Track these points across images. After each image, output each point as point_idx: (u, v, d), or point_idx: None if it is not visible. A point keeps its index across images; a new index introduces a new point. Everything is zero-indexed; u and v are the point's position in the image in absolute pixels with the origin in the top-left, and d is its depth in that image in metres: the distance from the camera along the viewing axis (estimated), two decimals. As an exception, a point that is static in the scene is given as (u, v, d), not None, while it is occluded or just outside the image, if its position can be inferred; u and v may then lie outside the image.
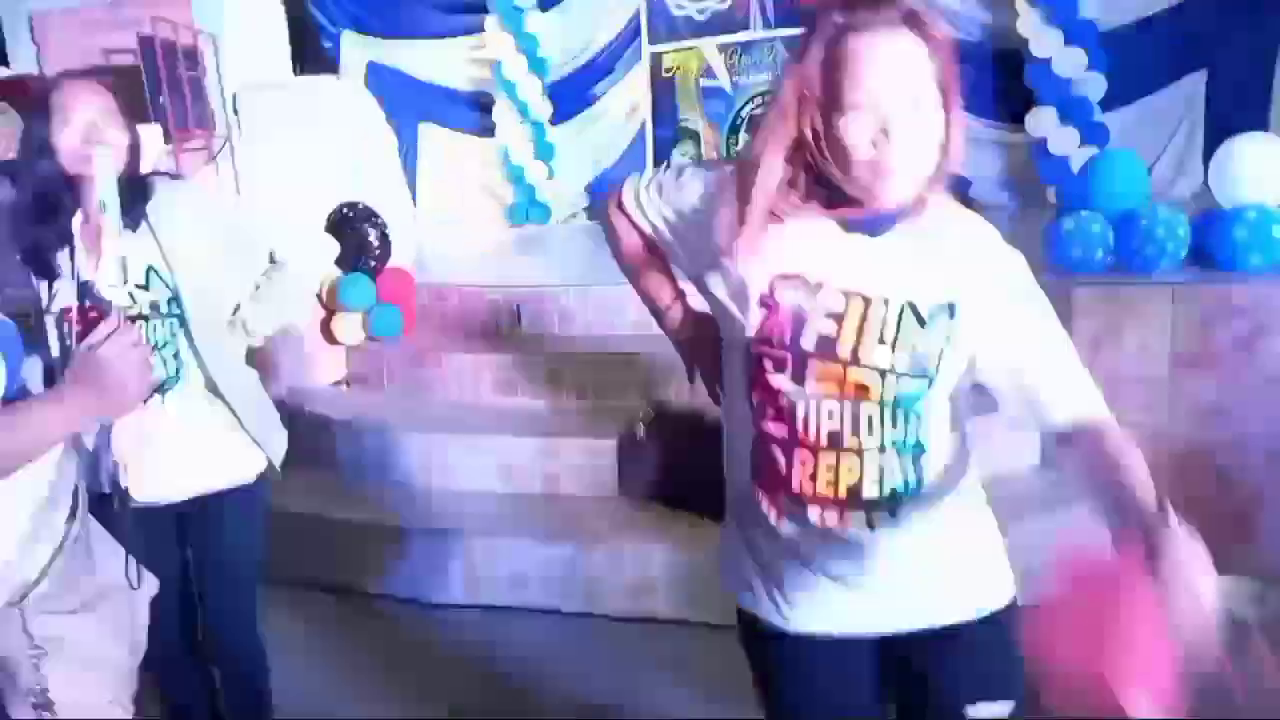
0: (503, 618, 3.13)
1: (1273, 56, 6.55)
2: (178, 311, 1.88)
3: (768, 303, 1.20)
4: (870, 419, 1.20)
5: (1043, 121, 6.75)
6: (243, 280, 2.07)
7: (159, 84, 6.31)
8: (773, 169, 1.15)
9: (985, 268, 1.20)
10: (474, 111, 8.59)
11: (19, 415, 1.24)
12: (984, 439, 1.39)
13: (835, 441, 1.21)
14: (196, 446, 1.94)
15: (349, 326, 4.21)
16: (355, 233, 4.19)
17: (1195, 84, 6.68)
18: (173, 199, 1.90)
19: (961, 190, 7.36)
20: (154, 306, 1.86)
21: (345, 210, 4.25)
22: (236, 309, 2.08)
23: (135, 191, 1.83)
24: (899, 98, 1.08)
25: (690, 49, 8.15)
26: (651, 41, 8.23)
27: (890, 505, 1.24)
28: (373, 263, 4.21)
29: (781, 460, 1.24)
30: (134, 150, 1.85)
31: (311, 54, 8.84)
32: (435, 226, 8.75)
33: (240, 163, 8.19)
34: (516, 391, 3.79)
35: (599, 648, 2.94)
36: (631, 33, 8.29)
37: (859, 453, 1.21)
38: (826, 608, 1.30)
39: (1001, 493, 1.47)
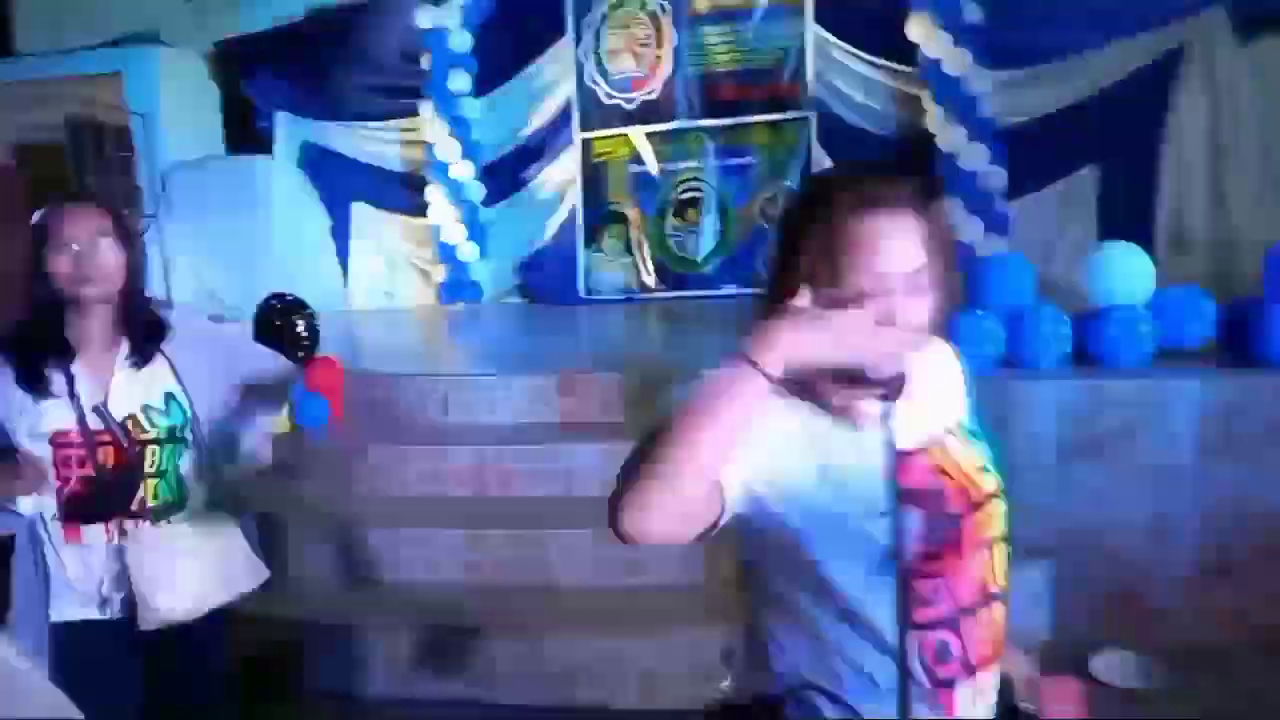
0: (430, 710, 3.16)
1: (1157, 154, 7.09)
2: (186, 435, 1.95)
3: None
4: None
5: (950, 212, 7.16)
6: (234, 401, 2.14)
7: (85, 163, 6.35)
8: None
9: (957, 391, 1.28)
10: (406, 191, 8.75)
11: None
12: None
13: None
14: (211, 563, 1.97)
15: (275, 417, 4.23)
16: (285, 324, 4.25)
17: (1088, 178, 7.19)
18: (180, 328, 1.99)
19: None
20: (170, 431, 1.92)
21: (274, 302, 4.32)
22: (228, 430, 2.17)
23: (152, 333, 1.93)
24: (905, 282, 1.07)
25: (620, 136, 8.46)
26: (583, 128, 8.53)
27: None
28: (300, 354, 4.27)
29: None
30: (134, 271, 1.90)
31: (246, 134, 8.95)
32: (367, 305, 8.84)
33: (168, 241, 8.23)
34: (444, 481, 3.85)
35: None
36: (563, 119, 8.59)
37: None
38: None
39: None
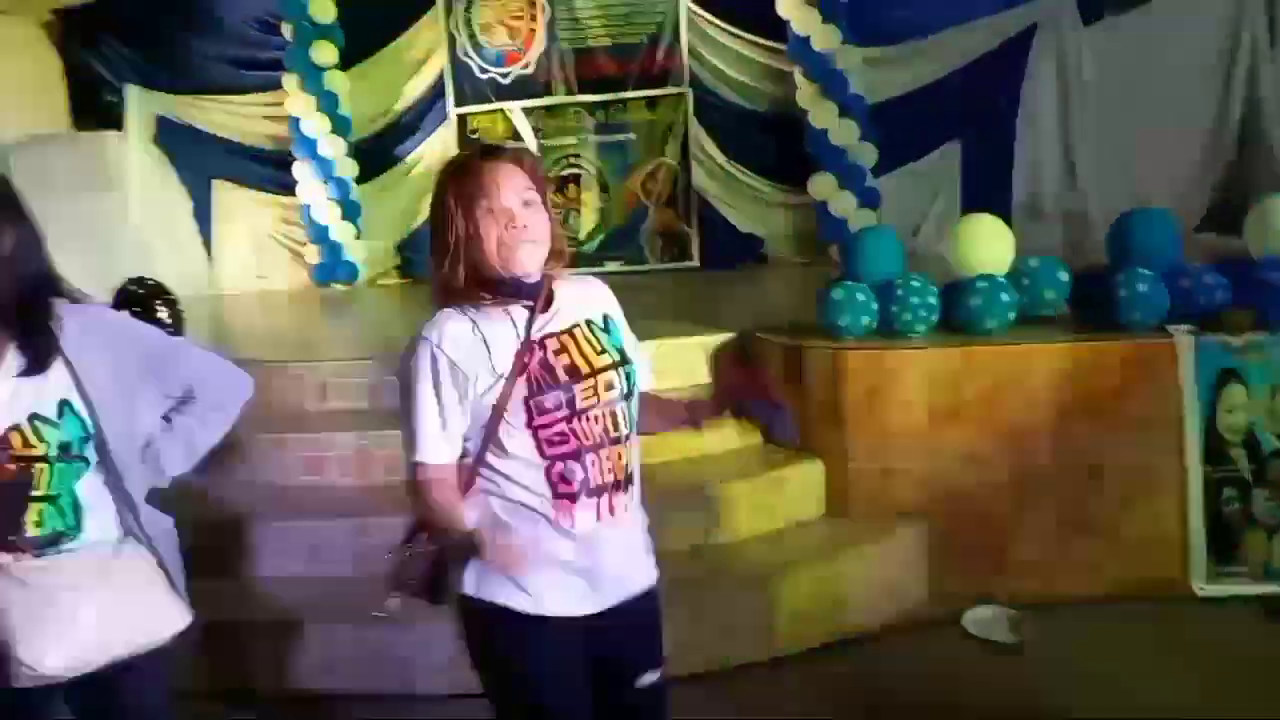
0: (312, 706, 3.08)
1: (1013, 130, 7.46)
2: (85, 453, 1.64)
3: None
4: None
5: (822, 186, 7.35)
6: (155, 413, 1.81)
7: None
8: None
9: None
10: (272, 169, 8.38)
11: None
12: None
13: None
14: (110, 606, 1.63)
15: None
16: (145, 310, 4.02)
17: (952, 153, 7.50)
18: (84, 326, 1.66)
19: (756, 247, 7.89)
20: (64, 447, 1.61)
21: (132, 287, 4.08)
22: (146, 445, 1.80)
23: (41, 332, 1.60)
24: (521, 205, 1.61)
25: (496, 111, 8.32)
26: (457, 104, 8.34)
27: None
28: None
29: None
30: (11, 261, 1.57)
31: (93, 109, 8.39)
32: (235, 288, 8.46)
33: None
34: (323, 471, 3.74)
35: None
36: (436, 94, 8.37)
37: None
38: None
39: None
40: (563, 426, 1.61)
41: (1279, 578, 3.35)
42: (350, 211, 8.23)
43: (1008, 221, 4.03)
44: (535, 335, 1.62)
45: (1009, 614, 3.35)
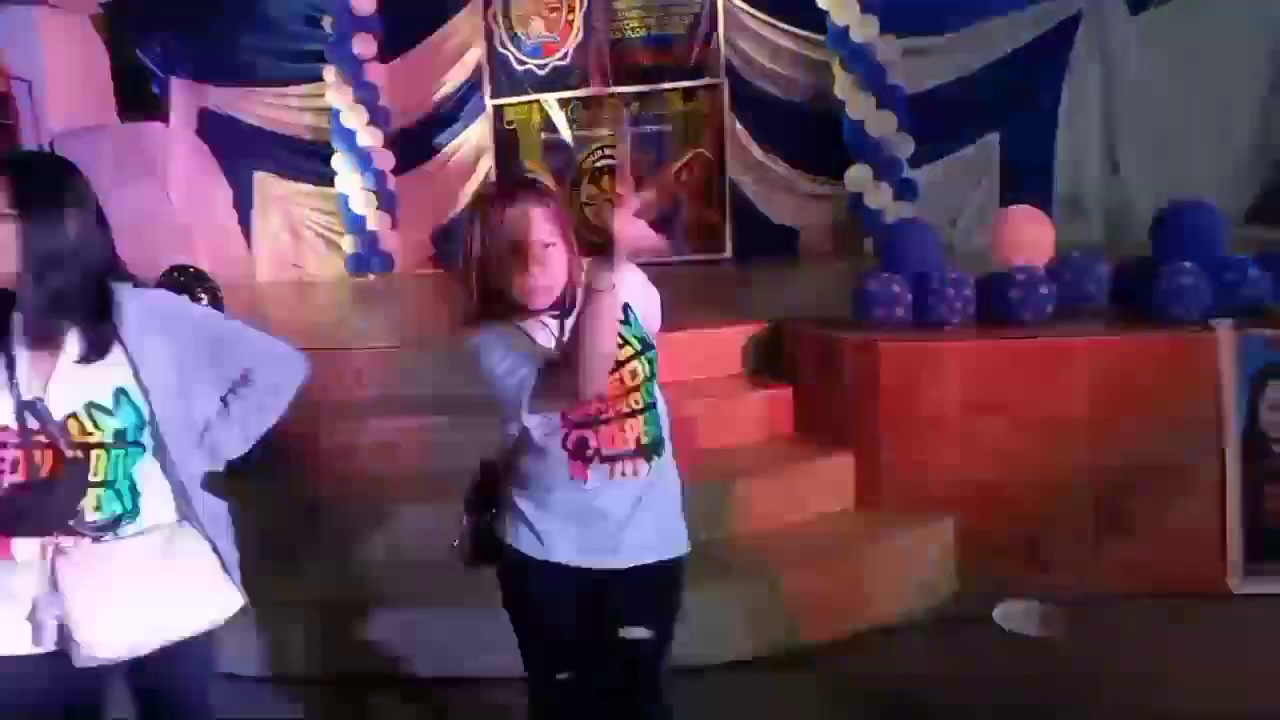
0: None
1: (1055, 121, 7.35)
2: (142, 439, 1.66)
3: None
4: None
5: (859, 178, 7.29)
6: (212, 397, 1.81)
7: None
8: None
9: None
10: (312, 160, 8.49)
11: None
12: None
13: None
14: (166, 589, 1.67)
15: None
16: (187, 298, 4.10)
17: (991, 144, 7.40)
18: (143, 310, 1.67)
19: (790, 239, 7.85)
20: (119, 434, 1.62)
21: (175, 275, 4.17)
22: (203, 430, 1.80)
23: (102, 318, 1.61)
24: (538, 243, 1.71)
25: (532, 102, 8.35)
26: (494, 95, 8.39)
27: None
28: (205, 328, 4.14)
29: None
30: (65, 251, 1.57)
31: (139, 100, 8.55)
32: (273, 277, 8.59)
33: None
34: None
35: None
36: (473, 85, 8.42)
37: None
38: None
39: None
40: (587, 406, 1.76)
41: (1319, 577, 3.28)
42: (386, 202, 8.31)
43: (1048, 213, 3.97)
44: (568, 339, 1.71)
45: (1041, 609, 3.31)
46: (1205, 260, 3.52)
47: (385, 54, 8.27)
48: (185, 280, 4.21)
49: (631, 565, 1.83)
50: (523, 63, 8.34)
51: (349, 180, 8.24)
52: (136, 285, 1.71)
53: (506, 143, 8.43)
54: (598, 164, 8.28)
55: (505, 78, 8.37)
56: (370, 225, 8.30)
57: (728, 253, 8.07)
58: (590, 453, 1.78)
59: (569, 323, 1.72)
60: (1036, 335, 3.57)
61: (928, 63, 7.41)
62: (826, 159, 7.54)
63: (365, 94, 8.14)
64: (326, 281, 8.48)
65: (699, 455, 3.54)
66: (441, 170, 8.54)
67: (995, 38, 7.31)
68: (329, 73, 8.14)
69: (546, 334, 1.77)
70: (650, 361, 1.82)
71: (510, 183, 1.95)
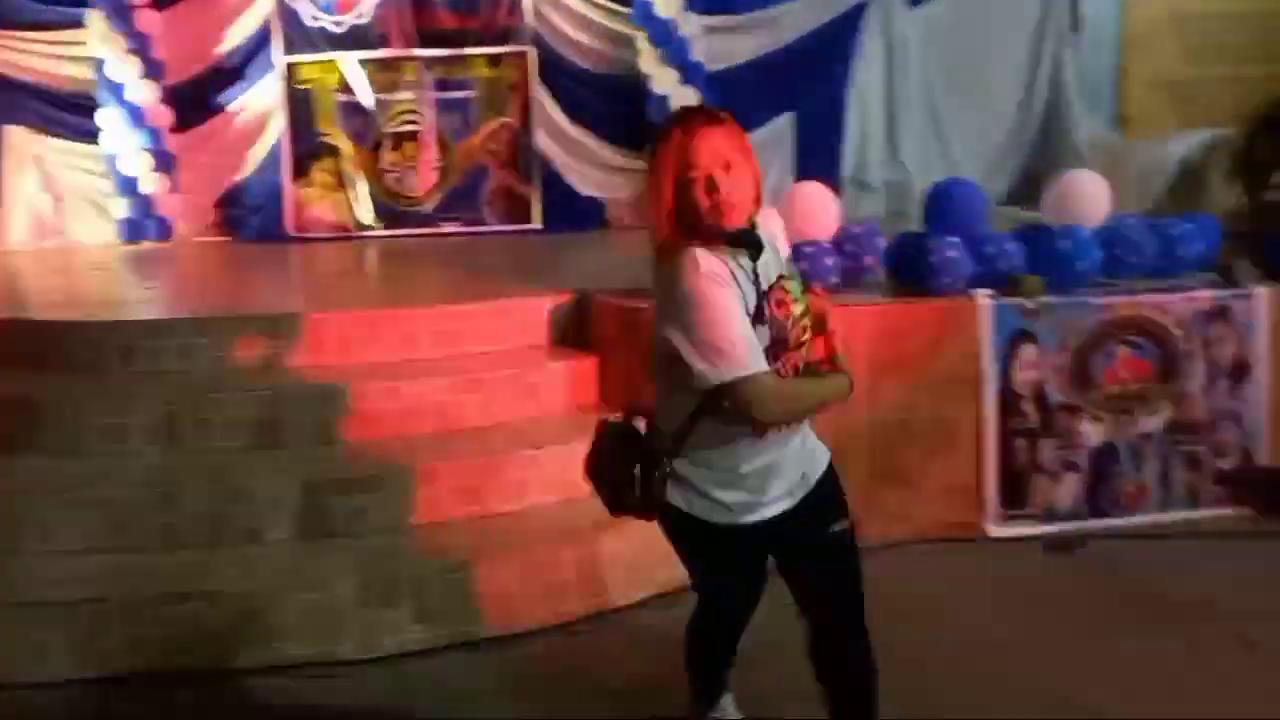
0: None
1: (843, 104, 7.77)
2: None
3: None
4: None
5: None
6: None
7: None
8: None
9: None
10: (75, 115, 7.71)
11: None
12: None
13: None
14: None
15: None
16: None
17: (786, 124, 7.73)
18: None
19: (598, 210, 7.91)
20: None
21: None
22: None
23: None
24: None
25: (328, 61, 7.94)
26: (285, 51, 7.90)
27: None
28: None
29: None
30: None
31: None
32: (29, 243, 7.76)
33: None
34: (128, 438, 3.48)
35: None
36: (261, 39, 7.90)
37: None
38: None
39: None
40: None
41: (1059, 518, 3.68)
42: (163, 163, 7.68)
43: (836, 191, 4.19)
44: (764, 286, 1.79)
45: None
46: (969, 235, 3.84)
47: (159, 1, 7.60)
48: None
49: (817, 480, 1.94)
50: (317, 19, 7.89)
51: (118, 138, 7.53)
52: None
53: (299, 103, 7.97)
54: (398, 129, 7.99)
55: (298, 34, 7.89)
56: (144, 188, 7.63)
57: (537, 223, 8.02)
58: (786, 370, 1.87)
59: (762, 269, 1.79)
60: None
61: (729, 41, 7.64)
62: (634, 132, 7.62)
63: (136, 43, 7.46)
64: (96, 249, 7.73)
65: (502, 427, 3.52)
66: (226, 130, 7.97)
67: (791, 20, 7.62)
68: (93, 18, 7.39)
69: (745, 274, 1.79)
70: (808, 309, 1.92)
71: (684, 111, 1.88)
